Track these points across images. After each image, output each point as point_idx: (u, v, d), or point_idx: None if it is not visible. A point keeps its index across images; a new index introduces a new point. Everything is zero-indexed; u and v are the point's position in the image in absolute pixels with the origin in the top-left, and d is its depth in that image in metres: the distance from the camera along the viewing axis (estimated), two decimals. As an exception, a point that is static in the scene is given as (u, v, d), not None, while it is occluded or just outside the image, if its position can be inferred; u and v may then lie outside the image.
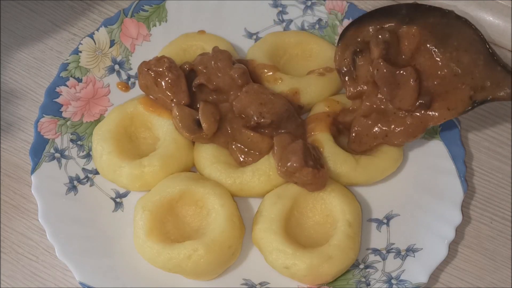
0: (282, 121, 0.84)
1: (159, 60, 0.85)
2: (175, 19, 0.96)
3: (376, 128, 0.84)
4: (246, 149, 0.86)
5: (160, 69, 0.85)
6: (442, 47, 0.81)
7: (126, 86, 0.93)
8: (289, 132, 0.85)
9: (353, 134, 0.85)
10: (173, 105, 0.85)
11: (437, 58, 0.81)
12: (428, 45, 0.81)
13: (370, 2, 1.01)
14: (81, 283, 0.78)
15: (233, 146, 0.86)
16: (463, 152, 0.86)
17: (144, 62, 0.86)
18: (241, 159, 0.86)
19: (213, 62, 0.86)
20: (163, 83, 0.85)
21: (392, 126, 0.83)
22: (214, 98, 0.87)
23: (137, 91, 0.90)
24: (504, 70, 0.78)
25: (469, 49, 0.80)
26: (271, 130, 0.85)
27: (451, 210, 0.83)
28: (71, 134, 0.88)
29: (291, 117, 0.85)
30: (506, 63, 0.78)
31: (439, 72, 0.81)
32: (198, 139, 0.84)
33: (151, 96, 0.87)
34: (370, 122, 0.84)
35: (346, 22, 0.95)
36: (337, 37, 0.96)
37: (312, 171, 0.79)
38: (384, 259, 0.82)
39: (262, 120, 0.83)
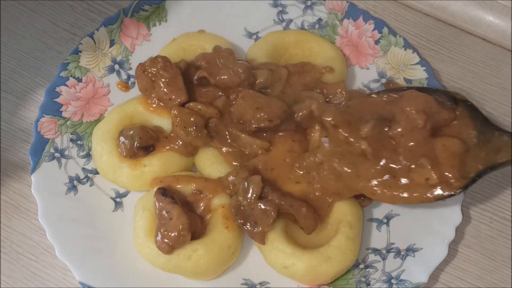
0: (281, 124, 0.84)
1: (153, 60, 0.85)
2: (175, 19, 0.96)
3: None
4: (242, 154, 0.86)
5: (155, 69, 0.85)
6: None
7: (126, 85, 0.93)
8: (288, 134, 0.85)
9: None
10: (175, 103, 0.85)
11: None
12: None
13: (370, 2, 1.01)
14: (81, 283, 0.78)
15: (224, 150, 0.85)
16: (463, 152, 0.86)
17: (139, 64, 0.86)
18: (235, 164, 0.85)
19: (217, 59, 0.86)
20: (160, 83, 0.85)
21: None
22: (212, 93, 0.87)
23: (137, 91, 0.89)
24: (504, 135, 0.77)
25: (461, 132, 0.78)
26: (271, 133, 0.84)
27: (451, 210, 0.83)
28: (71, 134, 0.88)
29: (289, 119, 0.85)
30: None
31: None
32: (195, 141, 0.84)
33: (152, 95, 0.87)
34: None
35: (346, 22, 0.95)
36: (337, 37, 0.96)
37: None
38: (384, 259, 0.82)
39: (261, 124, 0.83)
